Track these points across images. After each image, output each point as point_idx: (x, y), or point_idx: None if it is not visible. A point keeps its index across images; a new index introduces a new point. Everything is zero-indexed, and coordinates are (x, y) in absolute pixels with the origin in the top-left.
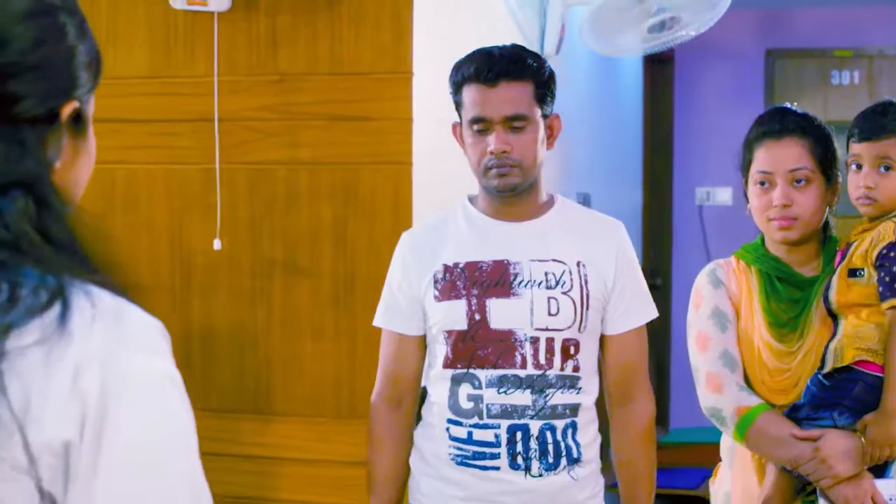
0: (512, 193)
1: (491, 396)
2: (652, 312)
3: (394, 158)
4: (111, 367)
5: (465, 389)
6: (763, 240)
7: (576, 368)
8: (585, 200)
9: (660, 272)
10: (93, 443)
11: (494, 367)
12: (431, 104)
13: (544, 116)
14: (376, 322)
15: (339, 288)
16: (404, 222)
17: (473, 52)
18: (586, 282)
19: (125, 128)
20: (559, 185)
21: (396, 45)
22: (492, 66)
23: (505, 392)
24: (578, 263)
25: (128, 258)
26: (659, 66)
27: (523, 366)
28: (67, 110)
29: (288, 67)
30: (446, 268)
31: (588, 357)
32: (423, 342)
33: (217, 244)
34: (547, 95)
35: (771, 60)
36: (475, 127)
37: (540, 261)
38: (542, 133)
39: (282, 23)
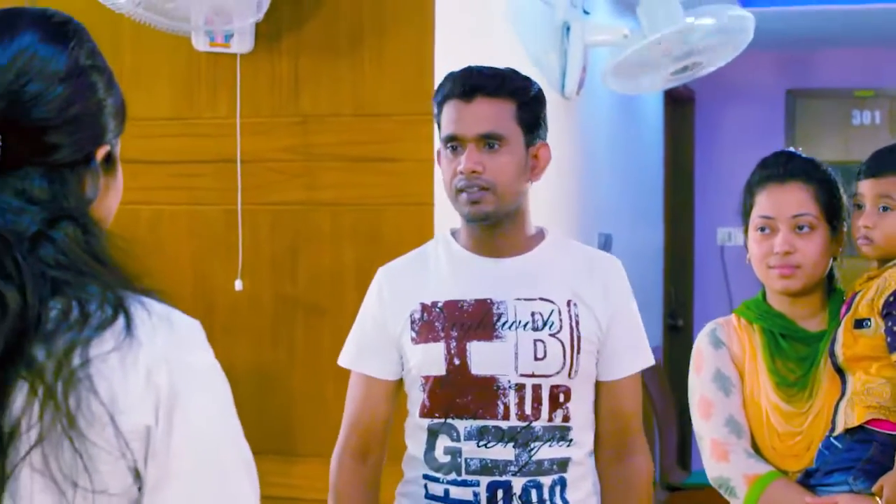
0: (487, 223)
1: (470, 450)
2: (648, 359)
3: (416, 199)
4: (174, 365)
5: (442, 441)
6: (765, 294)
7: (566, 418)
8: (607, 241)
9: (681, 313)
10: (166, 426)
11: (474, 417)
12: None
13: (529, 144)
14: (342, 361)
15: None
16: None
17: (457, 70)
18: (577, 322)
19: (148, 169)
20: (580, 226)
21: (418, 87)
22: (469, 80)
23: (485, 445)
24: (569, 303)
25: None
26: (680, 106)
27: (506, 416)
28: (101, 153)
29: (310, 109)
30: (424, 307)
31: (580, 405)
32: (394, 388)
33: (238, 285)
34: (532, 119)
35: (792, 100)
36: (449, 146)
37: (526, 300)
38: (522, 158)
39: (304, 64)
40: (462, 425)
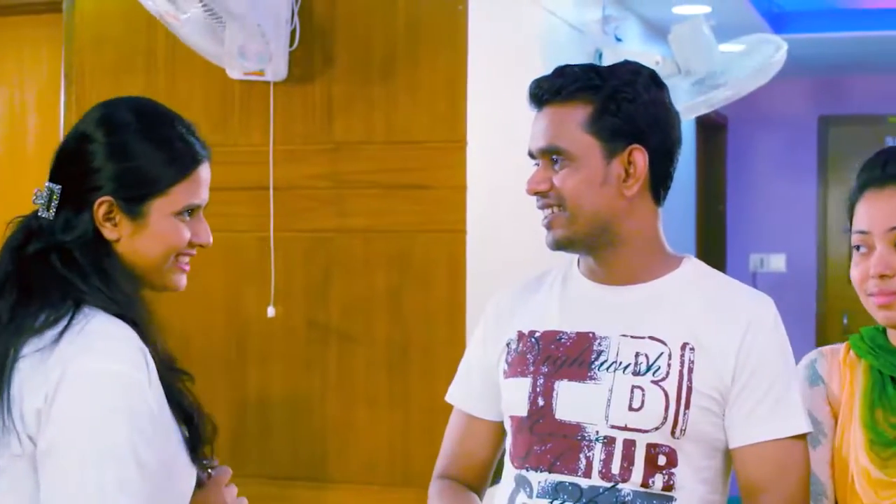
0: (573, 250)
1: None
2: (792, 427)
3: (448, 227)
4: (69, 366)
5: (520, 498)
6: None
7: (668, 487)
8: None
9: None
10: (47, 410)
11: (550, 470)
12: (486, 172)
13: (612, 153)
14: (447, 396)
15: (393, 355)
16: (459, 290)
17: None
18: (690, 370)
19: None
20: None
21: (451, 115)
22: (536, 86)
23: None
24: (684, 346)
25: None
26: (712, 133)
27: (587, 474)
28: (99, 206)
29: (343, 136)
30: (521, 336)
31: (692, 474)
32: (496, 429)
33: (271, 311)
34: (614, 123)
35: (824, 127)
36: (532, 163)
37: (633, 337)
38: (597, 172)
39: (337, 92)
40: (537, 479)
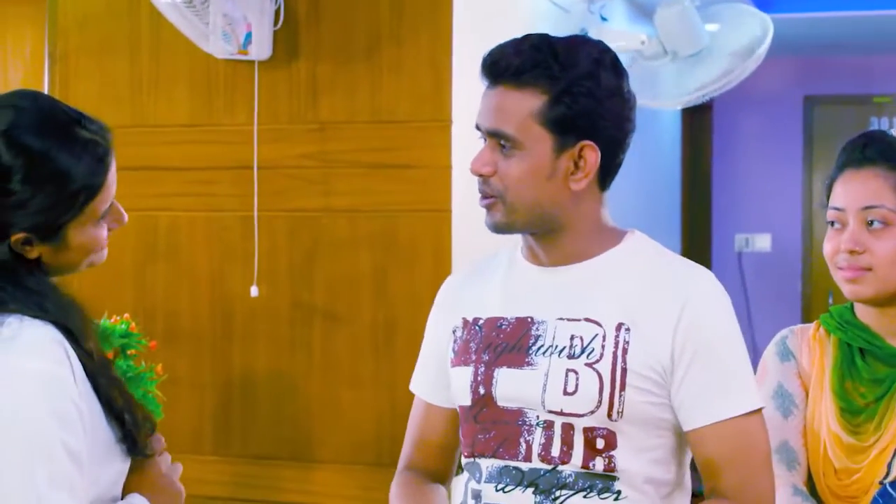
0: (510, 234)
1: (489, 494)
2: (745, 403)
3: (433, 206)
4: None
5: (471, 484)
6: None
7: (609, 468)
8: None
9: None
10: None
11: (494, 456)
12: (471, 152)
13: (562, 147)
14: (410, 384)
15: (378, 335)
16: (444, 270)
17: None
18: (625, 352)
19: (166, 176)
20: None
21: (435, 94)
22: (493, 60)
23: (503, 490)
24: (619, 326)
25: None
26: (697, 114)
27: (527, 457)
28: (16, 240)
29: (328, 116)
30: (465, 323)
31: (636, 455)
32: (452, 416)
33: (254, 291)
34: (568, 117)
35: (810, 107)
36: (478, 135)
37: (569, 320)
38: (543, 165)
39: (322, 72)
40: (485, 465)
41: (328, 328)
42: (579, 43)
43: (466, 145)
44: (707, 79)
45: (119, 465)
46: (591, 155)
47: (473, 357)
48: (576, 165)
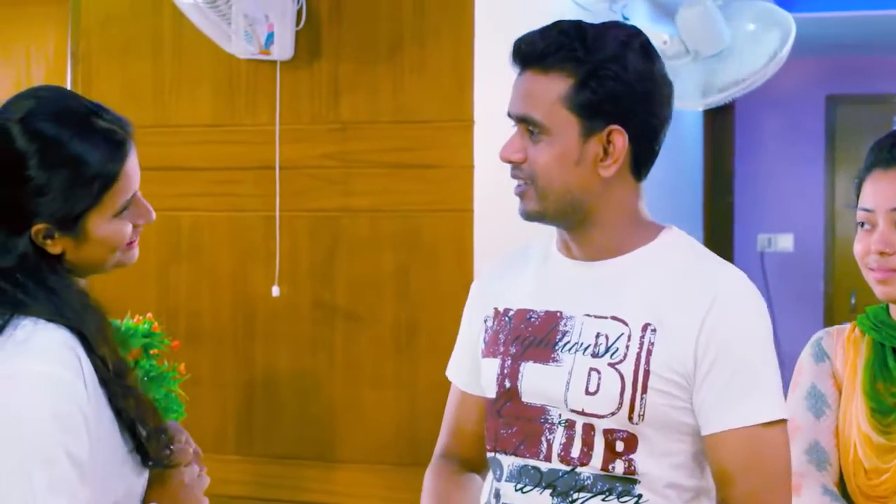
0: (544, 223)
1: (507, 493)
2: (767, 411)
3: (455, 206)
4: (1, 366)
5: (493, 482)
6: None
7: (630, 471)
8: None
9: None
10: None
11: (515, 453)
12: (493, 152)
13: (589, 132)
14: (446, 370)
15: (400, 335)
16: (466, 269)
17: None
18: (649, 353)
19: (188, 176)
20: None
21: (458, 94)
22: (519, 47)
23: (521, 490)
24: (646, 327)
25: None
26: (719, 113)
27: (547, 457)
28: (36, 232)
29: (350, 116)
30: (496, 313)
31: (657, 460)
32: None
33: (275, 291)
34: (595, 101)
35: (832, 106)
36: (511, 124)
37: (596, 317)
38: (571, 150)
39: (344, 71)
40: (506, 462)
41: (350, 328)
42: (608, 27)
43: (488, 145)
44: (729, 80)
45: (134, 476)
46: (620, 140)
47: (501, 349)
48: (605, 151)
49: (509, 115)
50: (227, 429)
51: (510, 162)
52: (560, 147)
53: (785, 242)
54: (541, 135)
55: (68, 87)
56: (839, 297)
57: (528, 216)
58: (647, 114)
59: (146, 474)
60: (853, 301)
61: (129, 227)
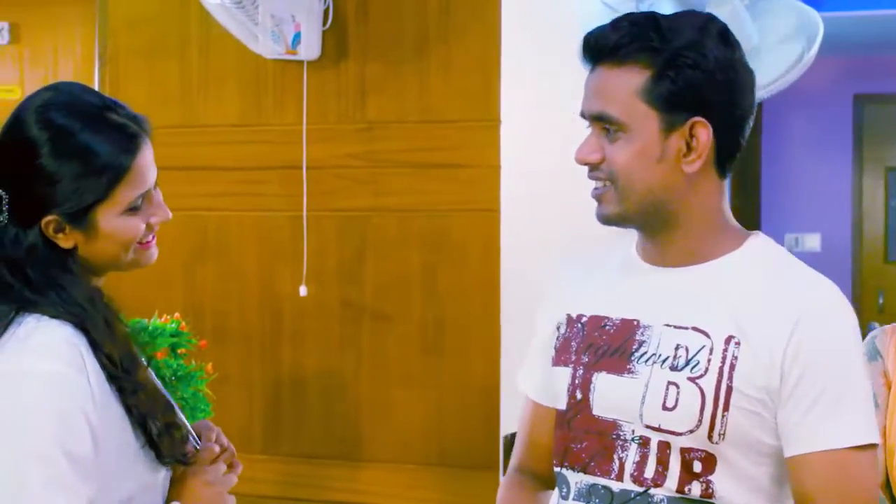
0: (623, 227)
1: None
2: (860, 434)
3: (482, 206)
4: (2, 363)
5: (557, 498)
6: None
7: (707, 494)
8: None
9: None
10: None
11: (585, 470)
12: (519, 151)
13: (670, 126)
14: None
15: (427, 334)
16: (493, 269)
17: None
18: (732, 368)
19: (216, 175)
20: None
21: (485, 94)
22: (590, 40)
23: None
24: (729, 339)
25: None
26: None
27: (619, 476)
28: (47, 225)
29: (376, 115)
30: (569, 319)
31: (737, 483)
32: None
33: (303, 290)
34: (675, 92)
35: (860, 105)
36: (584, 125)
37: (675, 327)
38: (653, 146)
39: (371, 71)
40: (574, 479)
41: (377, 328)
42: (683, 14)
43: (515, 145)
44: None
45: (148, 471)
46: (703, 132)
47: (573, 357)
48: (687, 146)
49: (583, 114)
50: (254, 428)
51: (586, 163)
52: (640, 143)
53: (812, 242)
54: (618, 132)
55: (96, 88)
56: (867, 297)
57: (608, 220)
58: (730, 103)
59: (164, 471)
60: (881, 301)
61: (142, 225)
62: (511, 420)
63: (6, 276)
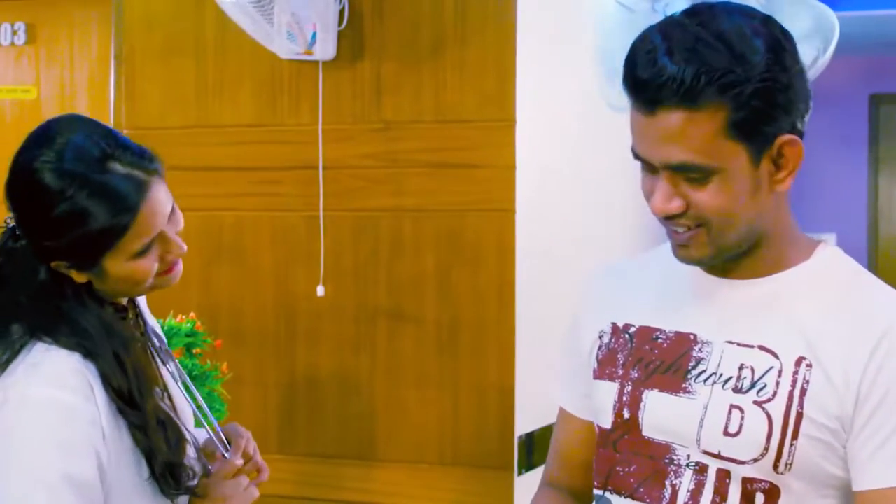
0: (710, 264)
1: None
2: None
3: (497, 206)
4: (11, 393)
5: None
6: None
7: None
8: None
9: None
10: None
11: (632, 496)
12: (535, 151)
13: (760, 153)
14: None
15: (442, 335)
16: (508, 270)
17: (634, 47)
18: (803, 393)
19: (231, 176)
20: (653, 238)
21: (500, 93)
22: (647, 83)
23: None
24: (800, 361)
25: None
26: None
27: None
28: (58, 265)
29: (392, 115)
30: (614, 328)
31: None
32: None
33: (320, 291)
34: (759, 119)
35: (875, 105)
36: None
37: (739, 345)
38: (747, 180)
39: (386, 71)
40: None
41: (392, 328)
42: (737, 26)
43: (531, 145)
44: None
45: (159, 501)
46: (792, 149)
47: (620, 372)
48: (775, 164)
49: (649, 162)
50: (269, 428)
51: (668, 216)
52: (734, 182)
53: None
54: (708, 176)
55: (111, 88)
56: None
57: (698, 263)
58: (805, 108)
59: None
60: None
61: (154, 264)
62: (526, 420)
63: (23, 302)
